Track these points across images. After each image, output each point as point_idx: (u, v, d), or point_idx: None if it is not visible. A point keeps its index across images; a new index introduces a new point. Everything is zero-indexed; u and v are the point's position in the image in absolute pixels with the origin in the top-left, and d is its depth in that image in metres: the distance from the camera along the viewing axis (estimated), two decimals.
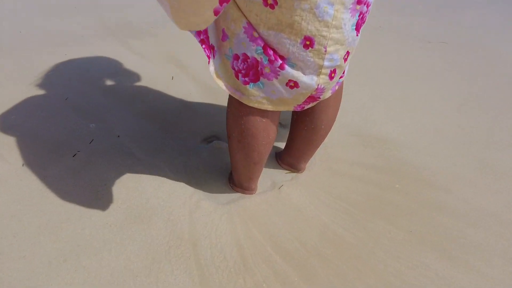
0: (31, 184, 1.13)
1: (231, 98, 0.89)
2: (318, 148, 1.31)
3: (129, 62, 1.92)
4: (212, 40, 0.80)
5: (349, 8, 0.68)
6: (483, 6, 3.12)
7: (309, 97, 0.81)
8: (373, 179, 1.20)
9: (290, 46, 0.71)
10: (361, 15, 0.73)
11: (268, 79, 0.77)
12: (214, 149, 1.31)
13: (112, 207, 1.06)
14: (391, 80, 1.83)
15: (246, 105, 0.85)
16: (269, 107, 0.84)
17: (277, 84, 0.78)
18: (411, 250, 0.97)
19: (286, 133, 1.40)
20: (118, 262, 0.92)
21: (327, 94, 0.85)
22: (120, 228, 1.00)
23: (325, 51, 0.72)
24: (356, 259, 0.95)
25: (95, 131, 1.37)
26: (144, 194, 1.11)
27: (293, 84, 0.77)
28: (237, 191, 1.13)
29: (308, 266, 0.93)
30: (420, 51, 2.19)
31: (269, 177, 1.20)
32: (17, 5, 2.76)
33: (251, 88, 0.80)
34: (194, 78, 1.79)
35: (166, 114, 1.50)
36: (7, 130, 1.36)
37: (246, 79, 0.79)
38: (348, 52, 0.77)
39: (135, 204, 1.08)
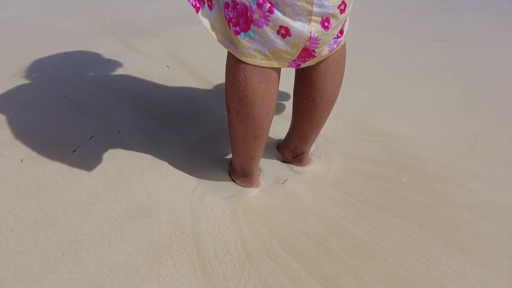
0: (29, 179, 1.10)
1: (227, 64, 0.85)
2: (323, 145, 1.28)
3: (130, 60, 1.90)
4: None
5: None
6: (485, 5, 3.11)
7: (304, 49, 0.77)
8: (380, 173, 1.17)
9: None
10: None
11: (259, 26, 0.73)
12: (215, 142, 1.29)
13: (112, 201, 1.03)
14: (395, 77, 1.81)
15: (244, 69, 0.80)
16: (262, 62, 0.79)
17: (269, 32, 0.74)
18: (421, 243, 0.94)
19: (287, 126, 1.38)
20: (118, 257, 0.88)
21: (324, 49, 0.81)
22: (120, 222, 0.97)
23: None
24: (364, 253, 0.91)
25: (96, 127, 1.35)
26: (145, 188, 1.08)
27: (284, 32, 0.73)
28: (239, 185, 1.10)
29: (315, 260, 0.89)
30: (423, 49, 2.17)
31: (273, 172, 1.17)
32: (19, 5, 2.76)
33: (243, 39, 0.76)
34: (194, 74, 1.77)
35: (167, 110, 1.47)
36: (5, 127, 1.34)
37: (237, 28, 0.75)
38: (343, 3, 0.73)
39: (136, 198, 1.05)
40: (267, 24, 0.72)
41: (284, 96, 1.58)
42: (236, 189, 1.09)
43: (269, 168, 1.18)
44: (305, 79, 0.94)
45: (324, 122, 1.04)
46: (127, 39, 2.18)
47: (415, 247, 0.93)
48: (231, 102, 0.87)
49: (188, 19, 2.52)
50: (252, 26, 0.73)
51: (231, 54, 0.82)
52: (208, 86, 1.67)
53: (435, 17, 2.79)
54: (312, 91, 0.94)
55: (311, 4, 0.69)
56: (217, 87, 1.66)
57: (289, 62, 0.81)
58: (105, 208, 1.01)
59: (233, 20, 0.74)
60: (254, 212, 1.02)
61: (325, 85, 0.93)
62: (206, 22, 0.79)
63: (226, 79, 0.87)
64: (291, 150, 1.16)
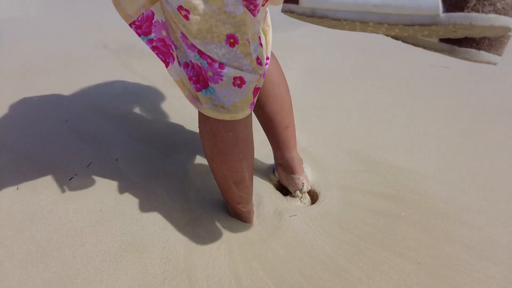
0: (24, 208, 1.09)
1: (198, 115, 0.87)
2: (320, 176, 1.27)
3: (130, 84, 1.92)
4: (173, 48, 0.80)
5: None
6: None
7: (255, 89, 0.79)
8: (378, 206, 1.15)
9: (218, 50, 0.70)
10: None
11: (215, 82, 0.75)
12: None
13: (107, 234, 1.02)
14: (394, 105, 1.81)
15: (209, 119, 0.82)
16: (226, 116, 0.80)
17: (225, 86, 0.75)
18: (420, 284, 0.92)
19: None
20: None
21: (262, 80, 0.83)
22: (114, 257, 0.95)
23: (248, 42, 0.71)
24: None
25: (93, 153, 1.35)
26: (140, 221, 1.07)
27: (239, 82, 0.75)
28: (234, 217, 1.09)
29: None
30: (423, 75, 2.18)
31: (270, 205, 1.15)
32: (23, 28, 2.81)
33: (204, 95, 0.78)
34: None
35: (165, 137, 1.47)
36: (1, 151, 1.34)
37: (198, 85, 0.77)
38: (259, 37, 0.76)
39: (131, 231, 1.03)
40: (221, 80, 0.74)
41: None
42: (231, 224, 1.08)
43: (267, 200, 1.16)
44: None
45: (290, 120, 1.10)
46: (128, 62, 2.21)
47: None
48: (205, 151, 0.90)
49: None
50: (210, 83, 0.75)
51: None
52: None
53: None
54: (259, 101, 1.02)
55: (249, 51, 0.72)
56: None
57: (249, 107, 0.82)
58: (99, 242, 1.00)
59: (193, 78, 0.76)
60: (249, 248, 1.00)
61: (266, 88, 1.00)
62: (175, 76, 0.80)
63: (199, 129, 0.89)
64: (281, 164, 1.18)
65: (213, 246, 1.00)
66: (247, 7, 0.67)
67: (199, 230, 1.04)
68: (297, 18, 0.62)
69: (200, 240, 1.01)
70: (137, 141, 1.43)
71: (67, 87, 1.88)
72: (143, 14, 0.74)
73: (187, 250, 0.98)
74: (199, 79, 0.76)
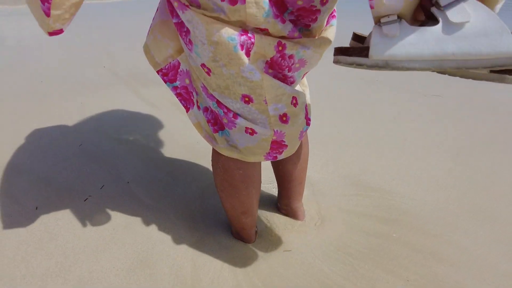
0: (42, 226, 1.18)
1: (212, 151, 0.96)
2: (317, 200, 1.36)
3: (140, 111, 2.04)
4: (194, 94, 0.90)
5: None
6: None
7: (273, 142, 0.84)
8: (371, 228, 1.24)
9: (233, 104, 0.78)
10: (293, 77, 0.78)
11: (229, 128, 0.84)
12: (217, 195, 1.37)
13: (120, 251, 1.10)
14: (387, 132, 1.92)
15: (222, 157, 0.91)
16: (238, 156, 0.88)
17: (238, 132, 0.83)
18: None
19: None
20: None
21: (294, 140, 0.88)
22: (127, 272, 1.03)
23: (266, 103, 0.76)
24: None
25: (106, 176, 1.44)
26: (150, 239, 1.15)
27: (251, 131, 0.81)
28: (238, 238, 1.17)
29: None
30: (416, 104, 2.30)
31: (272, 227, 1.24)
32: (38, 56, 2.98)
33: (220, 136, 0.87)
34: None
35: (174, 161, 1.57)
36: (22, 174, 1.44)
37: (215, 127, 0.87)
38: (294, 98, 0.80)
39: (142, 249, 1.12)
40: (235, 127, 0.83)
41: None
42: (234, 243, 1.16)
43: (269, 221, 1.25)
44: None
45: (305, 177, 1.17)
46: (138, 89, 2.35)
47: None
48: (216, 183, 1.00)
49: None
50: (225, 127, 0.85)
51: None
52: None
53: (428, 72, 2.96)
54: (284, 163, 1.08)
55: (267, 109, 0.78)
56: None
57: (264, 156, 0.88)
58: (113, 258, 1.08)
59: (212, 121, 0.87)
60: (250, 266, 1.08)
61: (297, 151, 1.06)
62: (194, 120, 0.92)
63: (211, 164, 0.99)
64: (286, 210, 1.27)
65: (218, 263, 1.08)
66: (274, 76, 0.74)
67: (204, 249, 1.13)
68: (359, 68, 0.65)
69: (205, 258, 1.09)
70: (147, 165, 1.53)
71: (81, 113, 2.00)
72: (170, 63, 0.85)
73: (193, 266, 1.06)
74: (216, 122, 0.86)
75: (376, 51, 0.60)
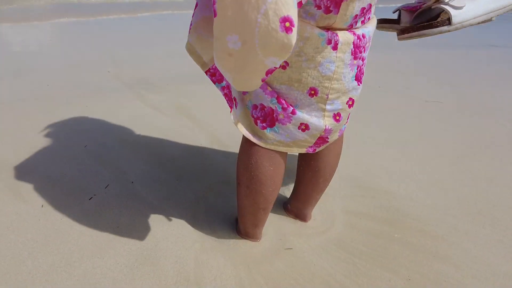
0: (48, 224, 1.20)
1: (242, 148, 1.00)
2: (320, 200, 1.38)
3: (143, 114, 2.07)
4: (234, 94, 0.93)
5: (348, 64, 0.83)
6: (477, 69, 3.34)
7: (319, 138, 0.92)
8: (373, 228, 1.25)
9: (298, 95, 0.85)
10: (359, 68, 0.88)
11: (283, 124, 0.89)
12: (221, 195, 1.39)
13: (124, 248, 1.12)
14: (389, 137, 1.94)
15: (256, 154, 0.95)
16: (283, 149, 0.94)
17: (291, 128, 0.89)
18: None
19: (292, 184, 1.48)
20: None
21: (335, 136, 0.96)
22: (130, 268, 1.05)
23: (327, 97, 0.85)
24: None
25: (111, 177, 1.47)
26: (154, 237, 1.17)
27: (304, 127, 0.89)
28: (243, 238, 1.18)
29: None
30: (417, 109, 2.33)
31: (275, 226, 1.25)
32: (43, 61, 3.03)
33: (269, 133, 0.91)
34: (203, 129, 1.91)
35: (177, 162, 1.59)
36: (29, 174, 1.46)
37: (264, 124, 0.91)
38: (351, 99, 0.90)
39: (145, 246, 1.13)
40: (289, 122, 0.89)
41: None
42: (237, 242, 1.17)
43: (272, 222, 1.26)
44: (313, 154, 1.08)
45: (326, 187, 1.17)
46: (141, 94, 2.38)
47: None
48: (242, 178, 1.01)
49: (196, 78, 2.74)
50: (277, 123, 0.90)
51: (247, 140, 0.97)
52: (216, 139, 1.81)
53: (429, 77, 2.99)
54: (317, 162, 1.09)
55: (325, 104, 0.87)
56: (224, 141, 1.79)
57: (306, 148, 0.96)
58: (117, 255, 1.09)
59: (261, 118, 0.91)
60: (253, 263, 1.09)
61: (329, 157, 1.08)
62: (235, 118, 0.95)
63: (238, 159, 1.02)
64: (295, 213, 1.28)
65: (220, 261, 1.09)
66: (354, 58, 0.82)
67: (207, 246, 1.14)
68: (429, 36, 0.97)
69: (208, 255, 1.11)
70: (151, 166, 1.56)
71: (86, 115, 2.03)
72: None
73: (196, 264, 1.07)
74: (266, 119, 0.90)
75: (457, 19, 0.90)
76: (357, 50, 0.83)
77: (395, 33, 1.06)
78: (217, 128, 1.94)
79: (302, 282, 1.03)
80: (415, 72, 3.15)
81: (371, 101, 2.44)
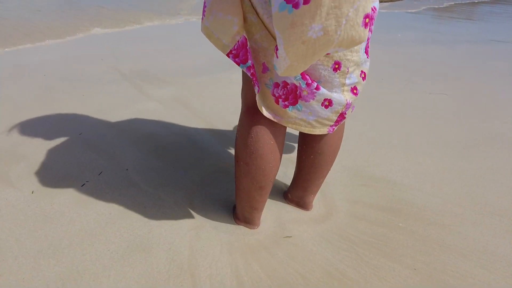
0: (38, 210, 1.15)
1: (240, 122, 0.95)
2: (321, 189, 1.32)
3: (141, 105, 2.02)
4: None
5: None
6: (481, 62, 3.28)
7: (340, 114, 0.92)
8: (376, 217, 1.20)
9: (322, 70, 0.84)
10: (368, 40, 0.87)
11: (306, 101, 0.86)
12: (218, 183, 1.34)
13: (115, 235, 1.07)
14: (393, 128, 1.89)
15: (257, 127, 0.92)
16: (305, 129, 0.92)
17: (314, 105, 0.87)
18: (415, 287, 0.94)
19: (291, 172, 1.43)
20: None
21: (349, 111, 0.95)
22: (121, 255, 1.00)
23: (348, 71, 0.85)
24: None
25: (105, 164, 1.42)
26: (147, 224, 1.12)
27: (327, 103, 0.88)
28: (240, 225, 1.13)
29: None
30: (421, 101, 2.27)
31: (274, 214, 1.20)
32: (45, 51, 2.98)
33: (291, 111, 0.89)
34: (200, 118, 1.86)
35: (174, 151, 1.54)
36: (20, 160, 1.41)
37: (286, 103, 0.88)
38: (362, 71, 0.90)
39: (138, 233, 1.08)
40: (313, 99, 0.86)
41: (289, 147, 1.65)
42: (234, 228, 1.12)
43: (270, 209, 1.21)
44: (315, 137, 1.03)
45: (328, 171, 1.12)
46: (140, 86, 2.33)
47: None
48: (241, 154, 0.96)
49: (196, 71, 2.70)
50: (300, 100, 0.87)
51: (246, 113, 0.94)
52: (213, 129, 1.76)
53: (432, 71, 2.94)
54: (320, 144, 1.04)
55: (344, 78, 0.86)
56: (220, 131, 1.75)
57: (328, 128, 0.94)
58: (108, 241, 1.04)
59: (282, 96, 0.87)
60: (251, 251, 1.04)
61: (333, 139, 1.03)
62: (257, 98, 0.90)
63: (238, 134, 0.97)
64: (296, 202, 1.22)
65: (216, 249, 1.04)
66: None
67: (203, 234, 1.09)
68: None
69: (203, 243, 1.06)
70: (146, 154, 1.51)
71: (82, 104, 1.98)
72: (238, 41, 0.82)
73: (191, 251, 1.02)
74: (288, 97, 0.87)
75: None
76: (371, 21, 0.80)
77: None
78: (214, 117, 1.89)
79: (302, 272, 0.98)
80: (419, 66, 3.10)
81: (374, 93, 2.39)
